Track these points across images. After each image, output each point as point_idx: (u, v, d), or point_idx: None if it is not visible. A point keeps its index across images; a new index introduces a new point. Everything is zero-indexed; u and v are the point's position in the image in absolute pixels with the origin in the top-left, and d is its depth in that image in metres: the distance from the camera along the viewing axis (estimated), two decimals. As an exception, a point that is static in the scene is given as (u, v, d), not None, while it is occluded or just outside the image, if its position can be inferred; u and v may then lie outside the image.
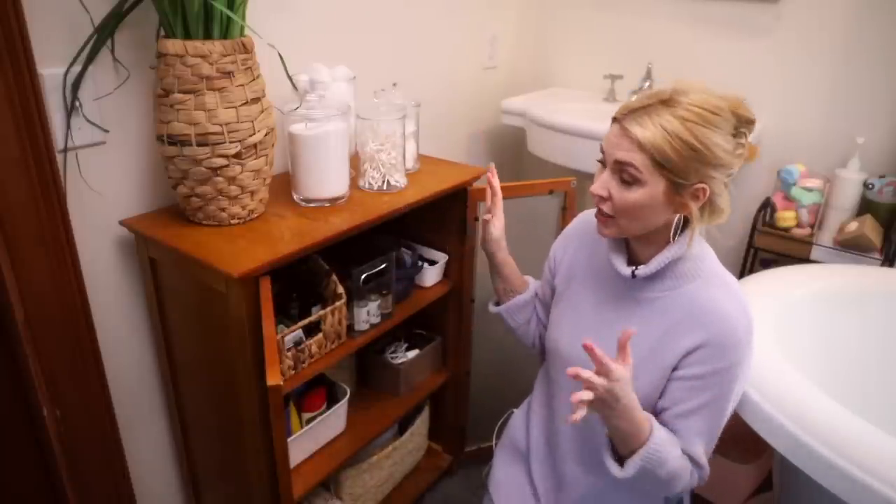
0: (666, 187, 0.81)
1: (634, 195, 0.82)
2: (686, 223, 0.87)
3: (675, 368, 0.88)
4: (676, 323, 0.87)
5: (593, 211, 1.03)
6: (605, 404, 0.78)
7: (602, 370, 0.77)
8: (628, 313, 0.92)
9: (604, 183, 0.85)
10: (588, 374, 0.76)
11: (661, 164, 0.79)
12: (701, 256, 0.88)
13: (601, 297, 0.97)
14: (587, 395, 0.76)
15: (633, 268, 0.89)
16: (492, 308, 1.19)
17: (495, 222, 1.12)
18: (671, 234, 0.86)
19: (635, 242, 0.92)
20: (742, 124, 0.83)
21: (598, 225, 0.89)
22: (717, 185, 0.82)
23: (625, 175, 0.82)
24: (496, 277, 1.16)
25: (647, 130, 0.78)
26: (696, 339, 0.85)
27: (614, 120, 0.83)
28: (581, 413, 0.76)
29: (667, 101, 0.80)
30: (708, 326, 0.85)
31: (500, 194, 1.13)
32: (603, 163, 0.86)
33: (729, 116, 0.81)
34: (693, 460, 0.88)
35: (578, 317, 0.99)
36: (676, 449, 0.86)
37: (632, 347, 0.89)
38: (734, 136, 0.82)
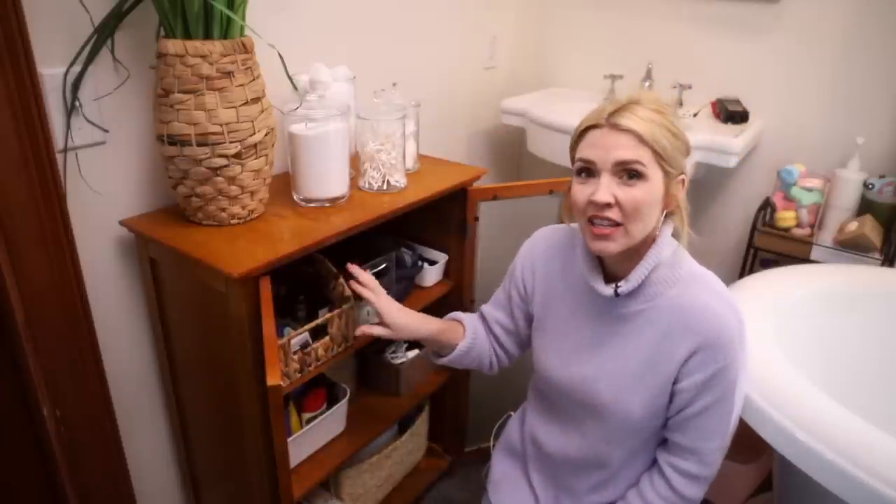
0: (663, 179, 0.81)
1: (640, 192, 0.79)
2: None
3: (675, 381, 0.86)
4: (667, 332, 0.85)
5: (551, 228, 1.02)
6: None
7: None
8: (616, 331, 0.90)
9: (607, 188, 0.79)
10: None
11: (659, 154, 0.79)
12: (677, 260, 0.86)
13: (584, 319, 0.93)
14: None
15: (614, 285, 0.86)
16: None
17: (384, 310, 0.99)
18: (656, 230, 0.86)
19: (611, 258, 0.88)
20: None
21: (600, 243, 0.81)
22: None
23: (629, 174, 0.79)
24: (429, 344, 1.06)
25: (641, 124, 0.78)
26: (691, 346, 0.84)
27: (594, 126, 0.81)
28: None
29: (636, 102, 0.81)
30: (699, 330, 0.83)
31: (369, 281, 1.02)
32: (589, 172, 0.82)
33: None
34: (701, 457, 0.89)
35: (565, 343, 0.96)
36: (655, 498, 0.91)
37: (625, 363, 0.89)
38: None
